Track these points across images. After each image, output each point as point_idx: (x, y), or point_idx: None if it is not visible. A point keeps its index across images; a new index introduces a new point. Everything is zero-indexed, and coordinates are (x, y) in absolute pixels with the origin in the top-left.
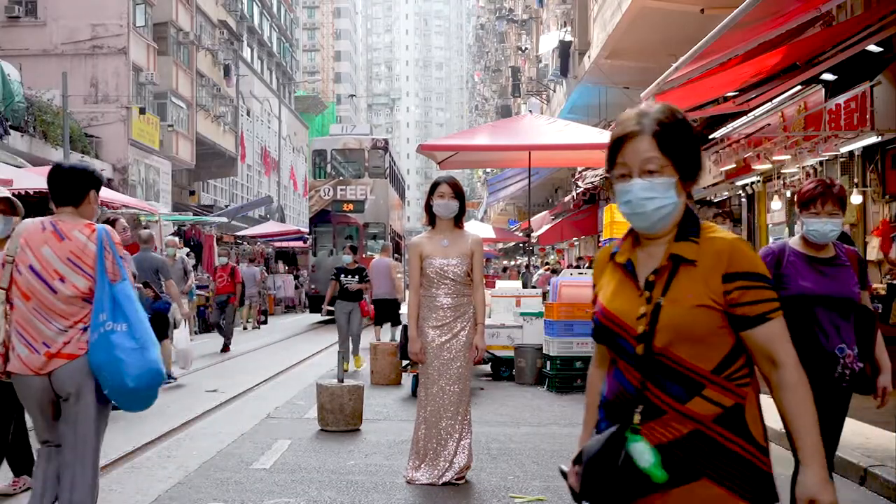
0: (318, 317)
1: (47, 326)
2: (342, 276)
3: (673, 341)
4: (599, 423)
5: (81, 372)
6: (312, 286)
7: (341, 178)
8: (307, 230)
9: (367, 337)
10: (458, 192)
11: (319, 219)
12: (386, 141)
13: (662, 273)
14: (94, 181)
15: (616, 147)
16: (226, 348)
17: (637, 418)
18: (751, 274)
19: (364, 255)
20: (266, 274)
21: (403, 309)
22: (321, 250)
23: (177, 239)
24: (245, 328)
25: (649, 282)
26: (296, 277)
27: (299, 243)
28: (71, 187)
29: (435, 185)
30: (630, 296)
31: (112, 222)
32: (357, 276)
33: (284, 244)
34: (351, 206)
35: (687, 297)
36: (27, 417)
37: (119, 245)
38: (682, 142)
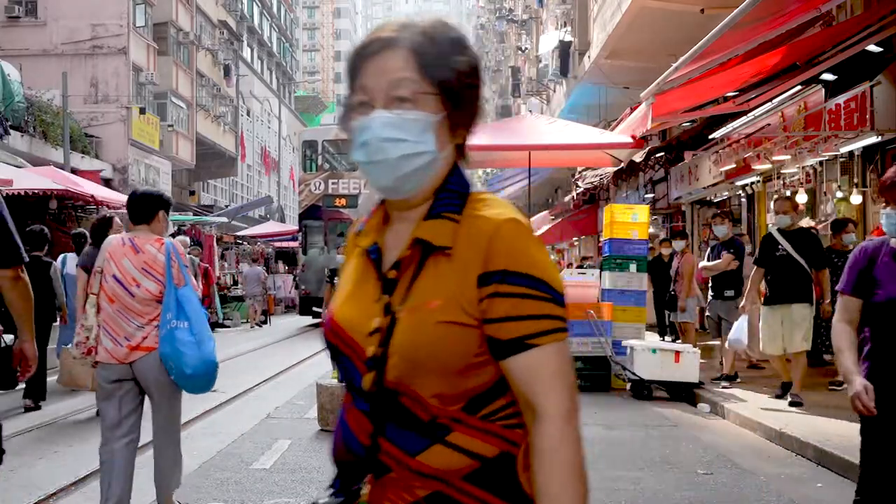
0: (308, 319)
1: (127, 324)
2: (337, 278)
3: (410, 372)
4: (334, 481)
5: (158, 361)
6: (302, 286)
7: (333, 170)
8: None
9: None
10: None
11: (310, 214)
12: None
13: (406, 266)
14: (163, 203)
15: (356, 63)
16: None
17: (365, 494)
18: (514, 275)
19: None
20: (266, 274)
21: None
22: (312, 248)
23: (187, 239)
24: (252, 326)
25: (389, 280)
26: (295, 278)
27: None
28: (144, 209)
29: None
30: (367, 299)
31: (108, 220)
32: None
33: (284, 244)
34: (344, 201)
35: (430, 307)
36: None
37: (183, 255)
38: (454, 66)
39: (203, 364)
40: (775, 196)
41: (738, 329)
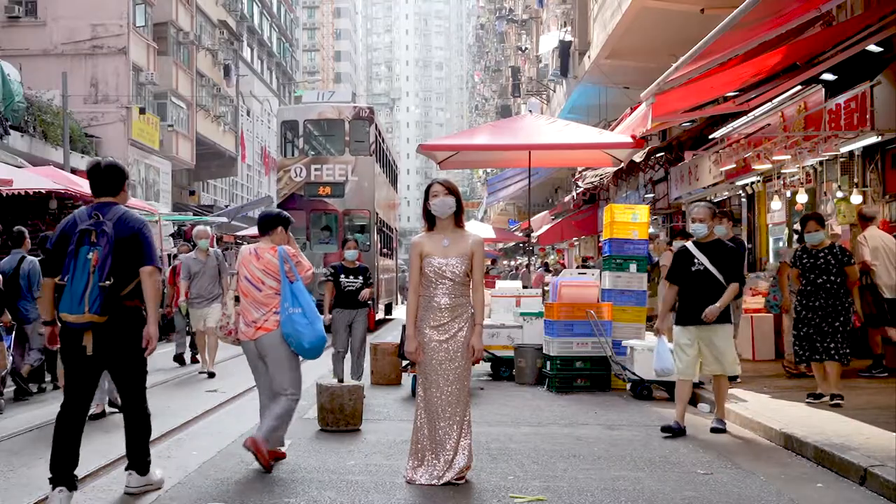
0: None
1: (255, 311)
2: (342, 276)
3: None
4: None
5: (274, 338)
6: None
7: (316, 155)
8: None
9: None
10: (451, 189)
11: (289, 205)
12: (371, 110)
13: None
14: (283, 221)
15: None
16: (179, 358)
17: None
18: None
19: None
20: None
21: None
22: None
23: (208, 229)
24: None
25: None
26: None
27: None
28: (267, 225)
29: (428, 188)
30: None
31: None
32: (361, 278)
33: None
34: (328, 190)
35: None
36: None
37: (294, 256)
38: None
39: (317, 339)
40: (693, 203)
41: (659, 356)
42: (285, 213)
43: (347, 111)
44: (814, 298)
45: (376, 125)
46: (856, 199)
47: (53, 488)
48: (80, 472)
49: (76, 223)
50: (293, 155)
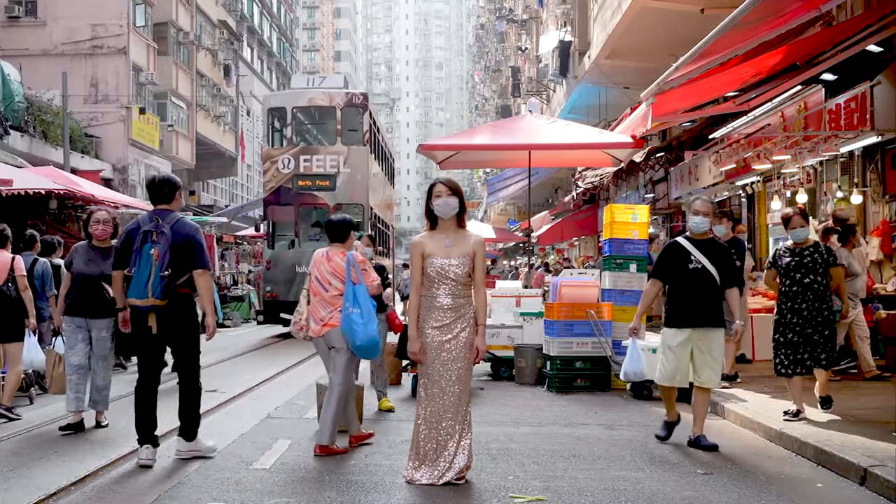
0: (277, 329)
1: (323, 310)
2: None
3: None
4: None
5: (337, 333)
6: (268, 288)
7: (306, 145)
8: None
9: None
10: (454, 189)
11: (277, 199)
12: (365, 96)
13: None
14: (354, 226)
15: None
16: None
17: None
18: None
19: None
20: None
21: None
22: (280, 241)
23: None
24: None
25: None
26: (253, 280)
27: None
28: (340, 231)
29: (431, 188)
30: None
31: (90, 215)
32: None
33: None
34: (318, 182)
35: None
36: None
37: (362, 262)
38: None
39: (368, 339)
40: (694, 196)
41: (632, 357)
42: (356, 220)
43: (339, 97)
44: (800, 300)
45: (370, 113)
46: (856, 199)
47: (141, 446)
48: (80, 472)
49: (139, 226)
50: (281, 145)
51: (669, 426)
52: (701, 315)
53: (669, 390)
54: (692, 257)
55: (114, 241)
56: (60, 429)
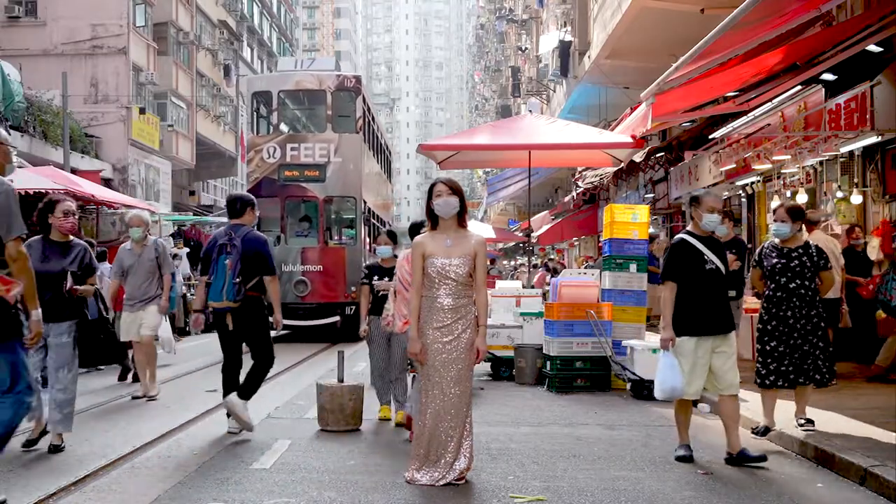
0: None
1: (405, 308)
2: (376, 277)
3: None
4: None
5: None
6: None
7: (293, 132)
8: None
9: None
10: (454, 189)
11: (262, 191)
12: (358, 79)
13: None
14: (415, 229)
15: None
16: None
17: None
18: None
19: (327, 243)
20: None
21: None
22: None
23: (144, 214)
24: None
25: None
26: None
27: None
28: (412, 235)
29: (431, 187)
30: None
31: (53, 204)
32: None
33: None
34: (307, 173)
35: None
36: None
37: None
38: None
39: None
40: (704, 192)
41: (666, 372)
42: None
43: (330, 80)
44: (785, 307)
45: (364, 98)
46: (856, 199)
47: (225, 395)
48: (80, 472)
49: (217, 240)
50: (266, 132)
51: (688, 447)
52: (721, 320)
53: (687, 407)
54: (706, 257)
55: (73, 238)
56: (23, 446)
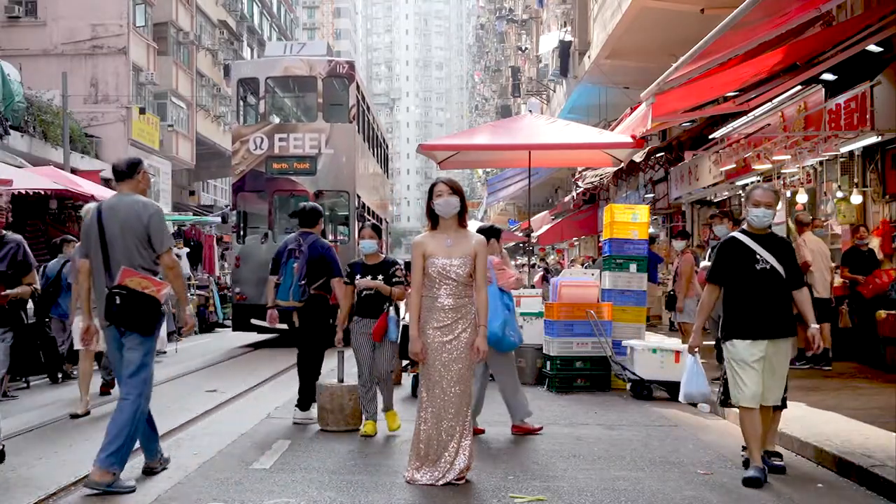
0: (244, 337)
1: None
2: (359, 276)
3: None
4: None
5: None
6: (237, 290)
7: (281, 122)
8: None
9: None
10: (455, 189)
11: (248, 185)
12: (351, 65)
13: None
14: (496, 232)
15: None
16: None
17: None
18: None
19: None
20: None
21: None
22: (251, 234)
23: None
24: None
25: None
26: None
27: None
28: (488, 237)
29: (432, 187)
30: None
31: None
32: (382, 276)
33: None
34: (296, 165)
35: None
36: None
37: (499, 265)
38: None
39: (490, 335)
40: (752, 185)
41: (692, 377)
42: (497, 226)
43: (321, 66)
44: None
45: (357, 84)
46: (856, 199)
47: (302, 410)
48: (80, 472)
49: (287, 245)
50: (253, 122)
51: (761, 472)
52: (776, 324)
53: (753, 418)
54: (758, 256)
55: (7, 233)
56: None
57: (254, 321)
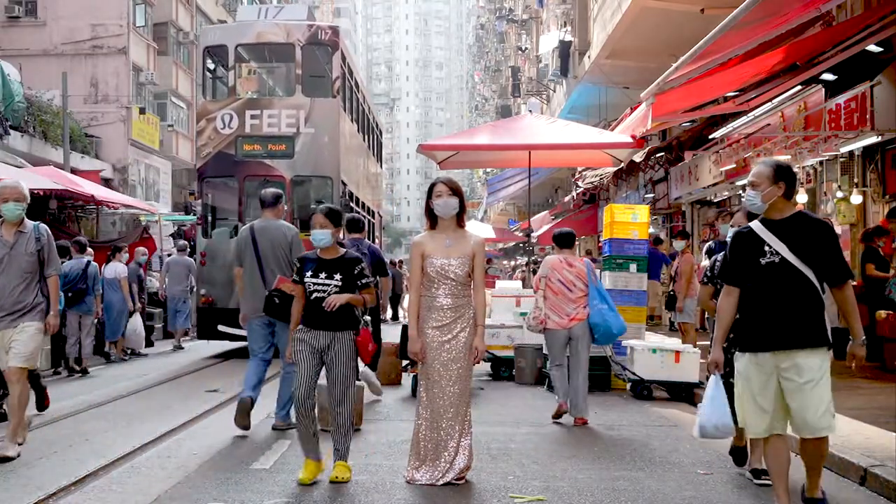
0: (212, 347)
1: (567, 307)
2: (307, 273)
3: None
4: None
5: (584, 327)
6: (202, 292)
7: (254, 96)
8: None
9: None
10: (454, 190)
11: (214, 170)
12: (335, 31)
13: None
14: (570, 236)
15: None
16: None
17: None
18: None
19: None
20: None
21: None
22: (219, 227)
23: (23, 186)
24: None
25: None
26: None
27: None
28: (567, 241)
29: (431, 187)
30: None
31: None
32: (340, 276)
33: None
34: (271, 147)
35: None
36: None
37: (594, 268)
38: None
39: (620, 327)
40: (756, 160)
41: (713, 404)
42: (570, 230)
43: (299, 32)
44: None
45: (343, 54)
46: (856, 199)
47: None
48: (80, 472)
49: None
50: (222, 97)
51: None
52: (787, 331)
53: (778, 450)
54: (766, 248)
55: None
56: None
57: (221, 328)
